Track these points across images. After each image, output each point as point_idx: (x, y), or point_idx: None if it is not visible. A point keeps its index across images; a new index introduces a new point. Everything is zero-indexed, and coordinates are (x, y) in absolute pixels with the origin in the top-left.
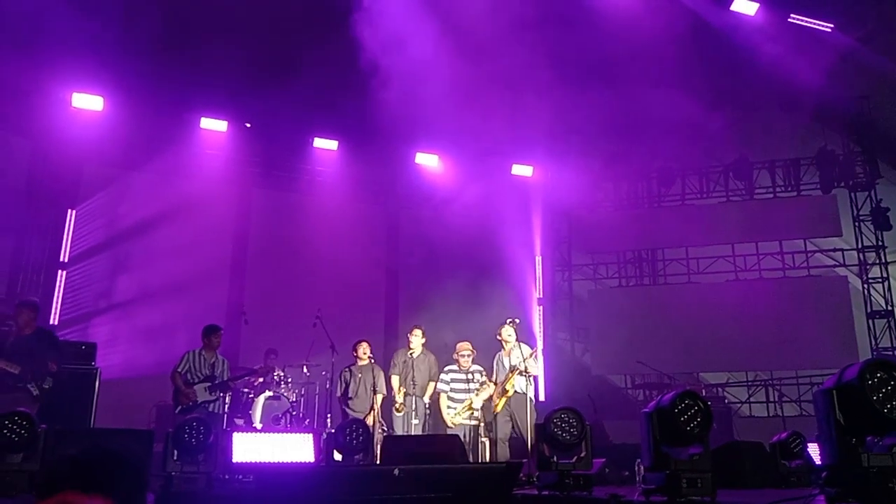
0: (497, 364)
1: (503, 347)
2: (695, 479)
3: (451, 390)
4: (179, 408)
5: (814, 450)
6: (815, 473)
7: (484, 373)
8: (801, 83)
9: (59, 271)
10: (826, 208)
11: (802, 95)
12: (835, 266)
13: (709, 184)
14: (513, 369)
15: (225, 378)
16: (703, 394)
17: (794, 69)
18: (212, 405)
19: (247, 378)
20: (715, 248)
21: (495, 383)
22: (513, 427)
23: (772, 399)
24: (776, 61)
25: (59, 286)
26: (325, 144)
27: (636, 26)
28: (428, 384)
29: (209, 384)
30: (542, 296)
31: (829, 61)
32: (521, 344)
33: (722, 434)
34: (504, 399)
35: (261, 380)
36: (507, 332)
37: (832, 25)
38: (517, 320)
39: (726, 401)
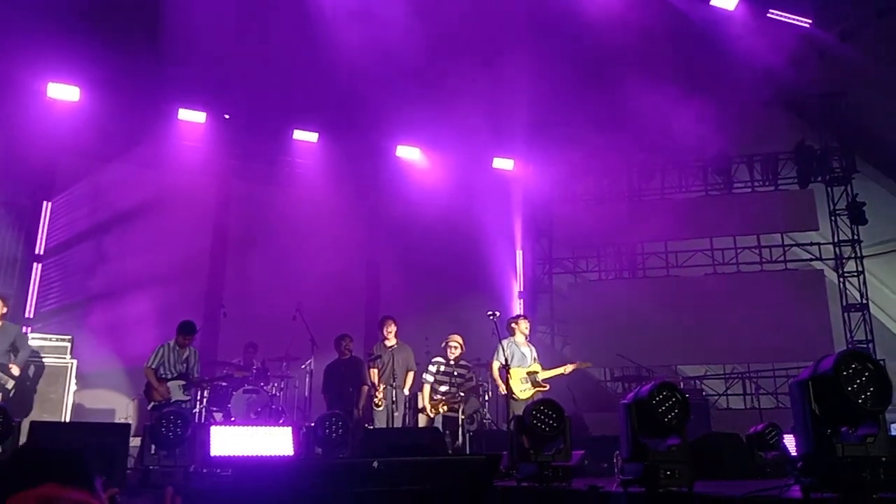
0: (510, 350)
1: (513, 335)
2: (673, 470)
3: (436, 381)
4: (152, 404)
5: (790, 441)
6: (791, 464)
7: (471, 368)
8: (780, 78)
9: (35, 264)
10: (803, 202)
11: (781, 91)
12: (811, 260)
13: (688, 178)
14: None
15: (196, 372)
16: (682, 386)
17: (773, 64)
18: (186, 404)
19: (225, 372)
20: (694, 241)
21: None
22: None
23: (749, 391)
24: (755, 56)
25: (35, 279)
26: (305, 136)
27: (617, 20)
28: (407, 374)
29: (184, 382)
30: (522, 289)
31: (808, 57)
32: (529, 343)
33: (699, 426)
34: (535, 391)
35: (241, 374)
36: (526, 326)
37: (810, 21)
38: (497, 313)
39: (704, 393)
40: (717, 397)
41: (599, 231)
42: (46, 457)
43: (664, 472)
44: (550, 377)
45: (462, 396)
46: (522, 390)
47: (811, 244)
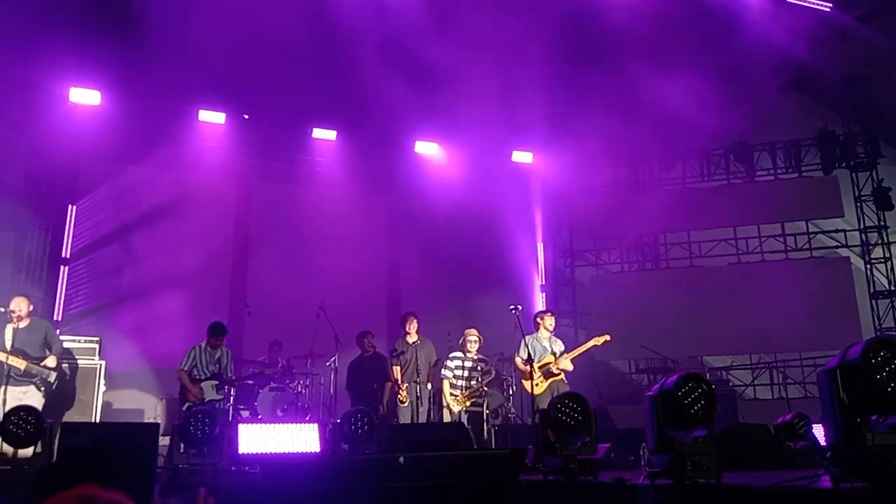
0: (532, 346)
1: (538, 331)
2: (699, 462)
3: (454, 377)
4: (186, 405)
5: (818, 431)
6: (820, 454)
7: (488, 361)
8: (800, 63)
9: (62, 267)
10: (827, 189)
11: (802, 76)
12: (837, 247)
13: (709, 167)
14: (556, 355)
15: (230, 371)
16: (708, 377)
17: (794, 49)
18: (219, 403)
19: (252, 370)
20: (717, 231)
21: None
22: None
23: (776, 381)
24: (775, 42)
25: (62, 282)
26: (323, 135)
27: (634, 8)
28: (431, 370)
29: (216, 382)
30: (544, 282)
31: (828, 41)
32: (555, 337)
33: (726, 417)
34: (550, 382)
35: (270, 371)
36: (550, 322)
37: (830, 5)
38: (520, 307)
39: (730, 384)
40: (744, 388)
41: (621, 222)
42: (76, 457)
43: (691, 464)
44: (571, 357)
45: (486, 391)
46: (535, 385)
47: (836, 231)
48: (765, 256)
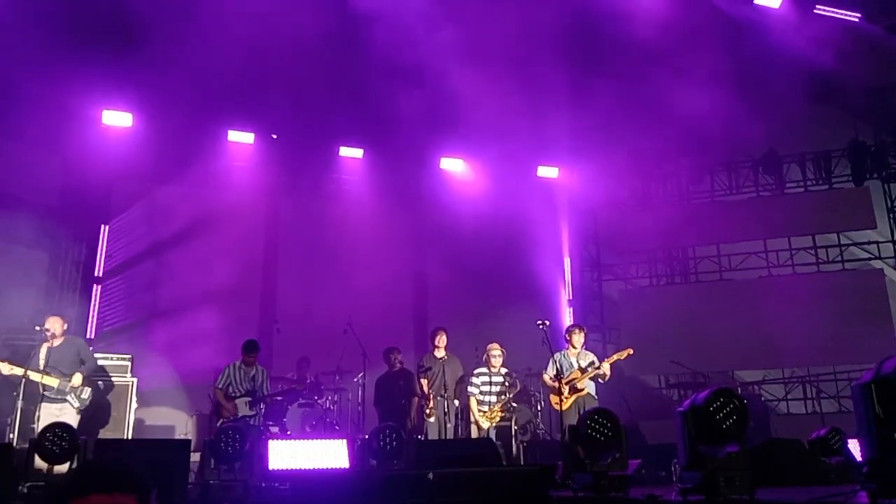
0: (560, 363)
1: (569, 349)
2: (732, 478)
3: (481, 393)
4: (220, 421)
5: (854, 446)
6: (856, 469)
7: (513, 374)
8: (830, 74)
9: (95, 286)
10: (859, 200)
11: (830, 87)
12: (870, 259)
13: (738, 179)
14: (582, 370)
15: (265, 389)
16: (740, 392)
17: (822, 60)
18: (252, 419)
19: (282, 387)
20: (746, 244)
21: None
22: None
23: (809, 396)
24: (803, 53)
25: (95, 300)
26: (350, 153)
27: (659, 21)
28: (458, 386)
29: (250, 399)
30: (571, 297)
31: (858, 51)
32: (585, 351)
33: (759, 432)
34: (574, 397)
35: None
36: (579, 338)
37: (860, 15)
38: (547, 322)
39: (763, 399)
40: (776, 402)
41: (649, 236)
42: (94, 469)
43: (724, 480)
44: (592, 375)
45: (513, 406)
46: (558, 402)
47: (869, 243)
48: (796, 269)
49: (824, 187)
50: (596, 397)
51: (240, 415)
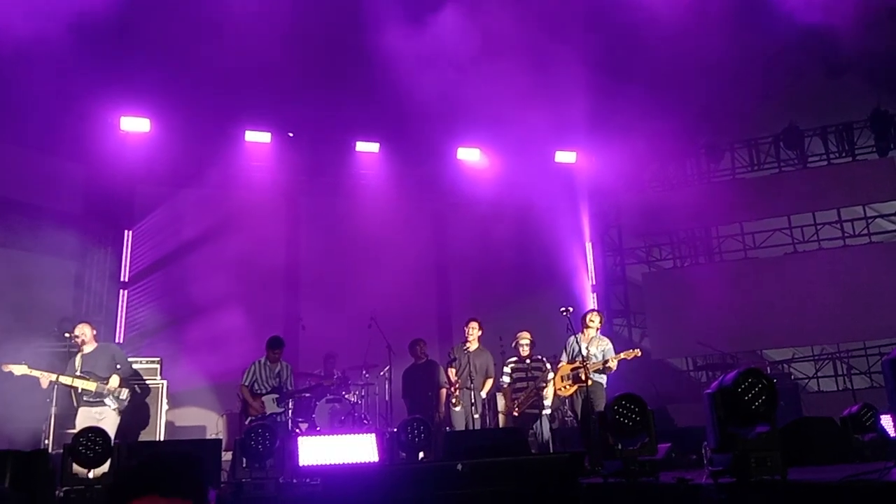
0: (571, 346)
1: (583, 332)
2: (763, 458)
3: (513, 380)
4: (249, 419)
5: (887, 422)
6: (891, 445)
7: (547, 360)
8: (848, 43)
9: (121, 291)
10: (884, 172)
11: (850, 56)
12: None
13: (759, 155)
14: (583, 361)
15: (290, 385)
16: (768, 371)
17: (840, 29)
18: (280, 416)
19: (310, 384)
20: (770, 220)
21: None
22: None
23: (840, 372)
24: (819, 23)
25: (122, 305)
26: (367, 147)
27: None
28: (485, 381)
29: (277, 395)
30: (594, 282)
31: (877, 19)
32: (601, 336)
33: (790, 411)
34: (576, 387)
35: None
36: (594, 321)
37: None
38: (570, 309)
39: (792, 377)
40: (806, 380)
41: (670, 217)
42: (149, 470)
43: (755, 461)
44: (595, 370)
45: (543, 394)
46: (561, 388)
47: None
48: (822, 244)
49: (848, 159)
50: (605, 387)
51: (268, 412)
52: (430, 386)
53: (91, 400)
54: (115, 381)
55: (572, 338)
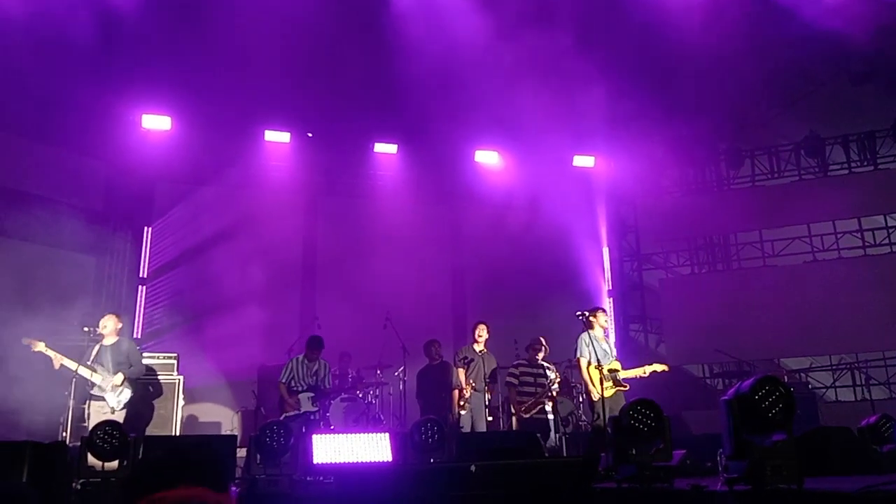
0: (589, 345)
1: (591, 328)
2: (779, 467)
3: (521, 384)
4: (283, 415)
5: None
6: None
7: (554, 369)
8: (869, 52)
9: (140, 287)
10: None
11: (871, 64)
12: None
13: (779, 163)
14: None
15: (327, 383)
16: (786, 380)
17: (863, 38)
18: (314, 414)
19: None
20: (790, 229)
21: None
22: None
23: (858, 382)
24: (840, 32)
25: (141, 301)
26: (385, 149)
27: (692, 5)
28: (488, 383)
29: (312, 395)
30: (611, 287)
31: None
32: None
33: (807, 420)
34: (616, 389)
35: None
36: (604, 319)
37: None
38: (587, 313)
39: (810, 386)
40: (824, 390)
41: (689, 223)
42: (183, 461)
43: (771, 469)
44: (629, 378)
45: (555, 397)
46: (606, 388)
47: None
48: (842, 253)
49: (869, 168)
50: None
51: (302, 410)
52: (444, 387)
53: (96, 394)
54: (118, 378)
55: (586, 335)
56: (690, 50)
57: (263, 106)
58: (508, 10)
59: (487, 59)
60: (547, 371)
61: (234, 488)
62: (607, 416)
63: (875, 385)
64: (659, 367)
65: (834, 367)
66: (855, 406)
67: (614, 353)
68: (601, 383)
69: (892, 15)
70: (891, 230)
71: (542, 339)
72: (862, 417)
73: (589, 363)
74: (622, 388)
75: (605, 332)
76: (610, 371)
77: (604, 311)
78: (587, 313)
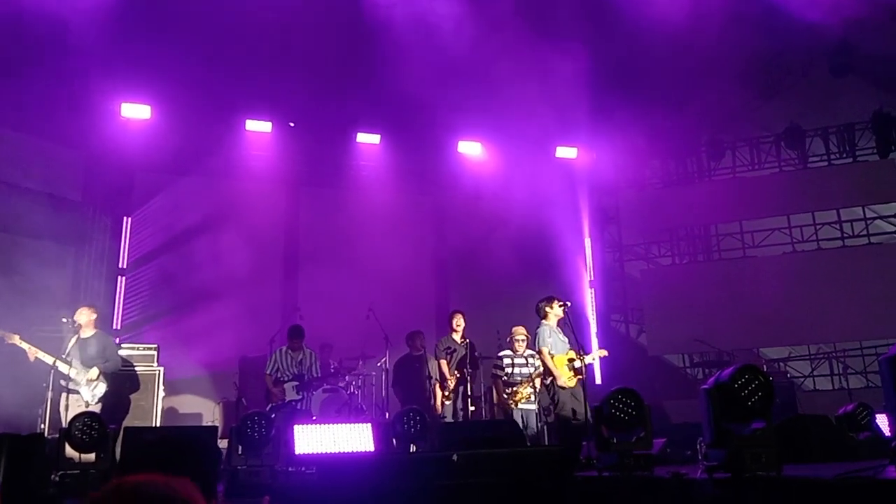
0: (551, 336)
1: (546, 318)
2: (758, 454)
3: (506, 374)
4: (269, 405)
5: (882, 421)
6: (885, 444)
7: (537, 356)
8: (850, 45)
9: (119, 277)
10: (884, 173)
11: (852, 57)
12: None
13: (760, 155)
14: (577, 352)
15: (314, 371)
16: (765, 369)
17: (843, 30)
18: (299, 403)
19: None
20: (770, 220)
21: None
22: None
23: (836, 372)
24: (822, 23)
25: (120, 292)
26: (368, 139)
27: None
28: (469, 371)
29: (297, 384)
30: (593, 278)
31: (879, 20)
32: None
33: (786, 409)
34: (579, 378)
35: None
36: (560, 309)
37: None
38: (569, 303)
39: (789, 375)
40: (803, 379)
41: (670, 215)
42: (160, 449)
43: (750, 457)
44: (582, 366)
45: (537, 387)
46: (568, 378)
47: (895, 216)
48: (820, 245)
49: (848, 160)
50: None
51: (287, 399)
52: (427, 377)
53: (71, 387)
54: (93, 373)
55: (546, 328)
56: (672, 41)
57: (245, 95)
58: (491, 1)
59: (470, 50)
60: (530, 360)
61: (220, 486)
62: (570, 406)
63: (852, 374)
64: (602, 353)
65: (812, 357)
66: (832, 395)
67: (568, 342)
68: (566, 372)
69: (872, 7)
70: (869, 222)
71: (523, 328)
72: (839, 406)
73: (550, 353)
74: (581, 378)
75: (557, 322)
76: (570, 361)
77: (558, 300)
78: (543, 303)
